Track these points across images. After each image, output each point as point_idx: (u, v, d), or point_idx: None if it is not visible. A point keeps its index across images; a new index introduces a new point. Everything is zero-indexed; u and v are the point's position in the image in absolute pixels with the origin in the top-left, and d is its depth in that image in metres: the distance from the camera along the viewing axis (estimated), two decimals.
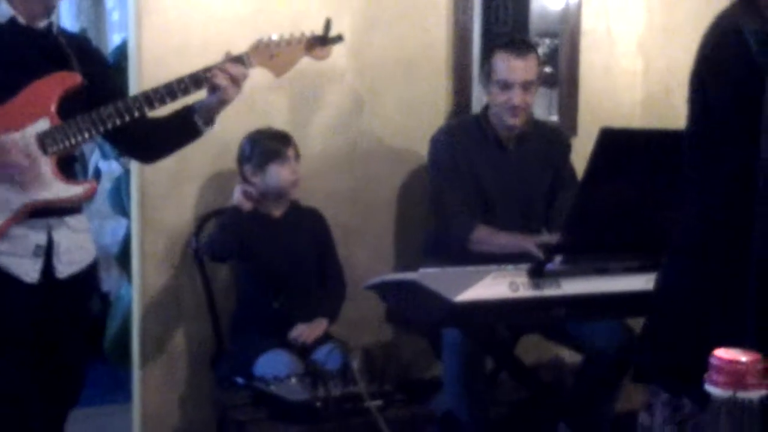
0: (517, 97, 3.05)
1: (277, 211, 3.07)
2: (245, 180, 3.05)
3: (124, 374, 3.63)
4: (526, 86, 3.06)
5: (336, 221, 3.25)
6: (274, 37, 2.52)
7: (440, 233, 3.19)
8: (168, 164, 3.12)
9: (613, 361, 2.88)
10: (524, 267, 2.48)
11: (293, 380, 2.63)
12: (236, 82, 2.44)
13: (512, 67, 3.05)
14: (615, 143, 2.31)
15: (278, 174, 2.99)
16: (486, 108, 3.22)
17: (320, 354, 2.80)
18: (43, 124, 2.32)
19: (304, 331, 2.92)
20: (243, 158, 3.05)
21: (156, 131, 2.52)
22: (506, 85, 3.05)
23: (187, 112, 2.49)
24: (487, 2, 3.55)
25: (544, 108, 3.78)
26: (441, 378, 3.09)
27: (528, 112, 3.14)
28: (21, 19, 2.36)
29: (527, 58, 3.07)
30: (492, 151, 3.17)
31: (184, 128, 2.51)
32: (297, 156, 3.05)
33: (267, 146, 3.01)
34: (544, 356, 3.55)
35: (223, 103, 2.47)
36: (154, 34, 3.12)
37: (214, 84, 2.43)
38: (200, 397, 3.16)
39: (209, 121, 2.51)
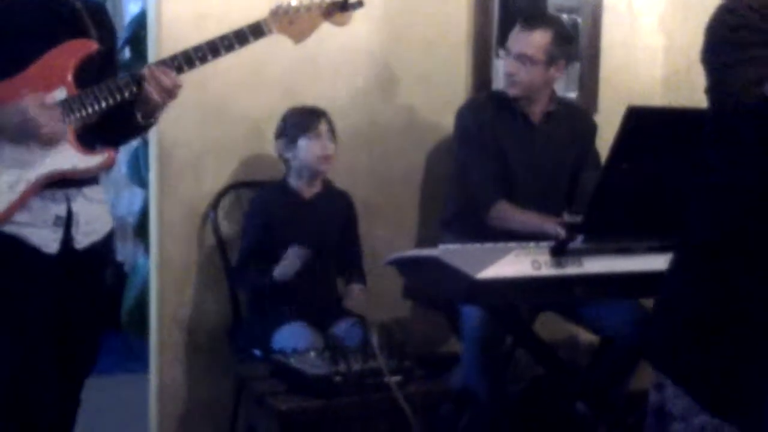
0: (508, 65, 3.09)
1: (309, 192, 3.04)
2: (281, 159, 3.02)
3: (140, 344, 3.65)
4: (520, 58, 3.05)
5: (354, 197, 3.23)
6: (293, 2, 2.48)
7: (460, 207, 3.18)
8: (187, 136, 3.13)
9: (629, 343, 2.87)
10: (546, 245, 2.47)
11: (312, 354, 2.63)
12: (168, 92, 2.35)
13: (515, 36, 3.10)
14: (641, 122, 2.29)
15: (308, 148, 2.96)
16: None
17: (340, 329, 2.79)
18: (60, 94, 2.30)
19: (359, 304, 2.94)
20: (277, 134, 3.03)
21: (106, 123, 2.42)
22: (507, 53, 3.11)
23: (131, 106, 2.39)
24: None
25: (562, 83, 3.74)
26: (458, 354, 3.09)
27: (525, 85, 3.09)
28: None
29: (531, 32, 3.06)
30: (519, 126, 3.15)
31: (127, 122, 2.42)
32: (331, 132, 3.02)
33: (298, 120, 2.99)
34: (559, 335, 3.54)
35: (155, 107, 2.37)
36: (172, 4, 3.09)
37: (144, 91, 2.33)
38: (217, 368, 3.17)
39: (148, 115, 2.41)
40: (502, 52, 3.16)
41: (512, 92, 3.11)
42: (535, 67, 3.06)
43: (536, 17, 3.21)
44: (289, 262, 2.83)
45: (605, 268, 2.45)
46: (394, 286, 3.11)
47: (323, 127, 2.99)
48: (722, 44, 1.72)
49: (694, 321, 1.74)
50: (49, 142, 2.28)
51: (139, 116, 2.39)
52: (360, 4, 2.55)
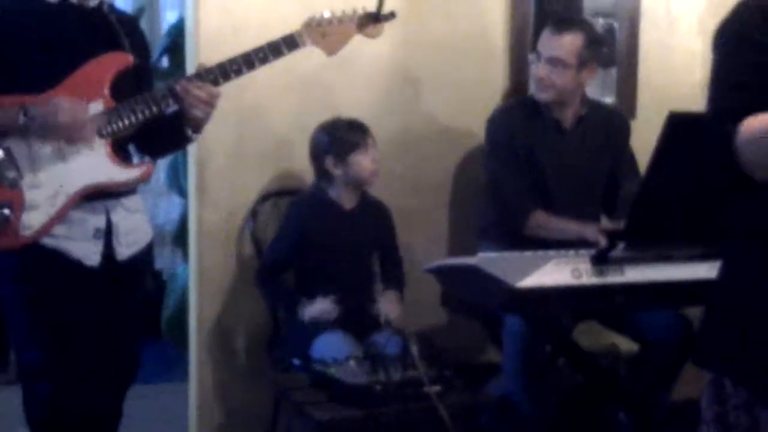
0: (540, 69, 3.05)
1: (349, 203, 3.04)
2: (323, 173, 3.00)
3: (178, 352, 3.67)
4: (552, 62, 3.02)
5: (390, 204, 3.22)
6: (326, 14, 2.49)
7: (496, 216, 3.16)
8: (226, 144, 3.14)
9: (671, 351, 2.84)
10: (586, 253, 2.45)
11: (352, 363, 2.63)
12: (206, 103, 2.37)
13: (546, 40, 3.06)
14: (683, 128, 2.25)
15: (360, 164, 2.96)
16: None
17: (379, 338, 2.78)
18: (97, 107, 2.31)
19: (391, 310, 2.91)
20: (321, 150, 2.99)
21: (149, 135, 2.45)
22: (538, 56, 3.07)
23: (179, 118, 2.43)
24: None
25: (598, 88, 3.72)
26: (496, 363, 3.07)
27: (557, 89, 3.06)
28: None
29: (563, 35, 3.03)
30: (550, 132, 3.12)
31: (174, 135, 2.47)
32: (375, 144, 3.02)
33: (347, 137, 2.97)
34: (599, 344, 3.50)
35: (199, 120, 2.41)
36: (211, 13, 3.10)
37: (183, 106, 2.36)
38: (256, 377, 3.17)
39: (197, 129, 2.46)
40: (532, 57, 3.14)
41: (543, 97, 3.08)
42: (566, 71, 3.03)
43: (566, 20, 3.19)
44: (322, 312, 2.85)
45: (647, 276, 2.42)
46: (431, 293, 3.10)
47: (370, 140, 3.00)
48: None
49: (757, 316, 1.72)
50: (72, 136, 2.27)
51: (188, 131, 2.43)
52: (392, 16, 2.56)
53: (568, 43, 3.02)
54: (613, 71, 3.69)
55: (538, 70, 3.07)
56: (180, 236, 3.89)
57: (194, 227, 3.20)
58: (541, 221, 3.01)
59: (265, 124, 3.19)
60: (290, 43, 2.45)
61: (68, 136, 2.28)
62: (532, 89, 3.15)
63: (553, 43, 3.03)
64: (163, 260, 4.47)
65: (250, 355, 3.22)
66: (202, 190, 3.16)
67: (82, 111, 2.28)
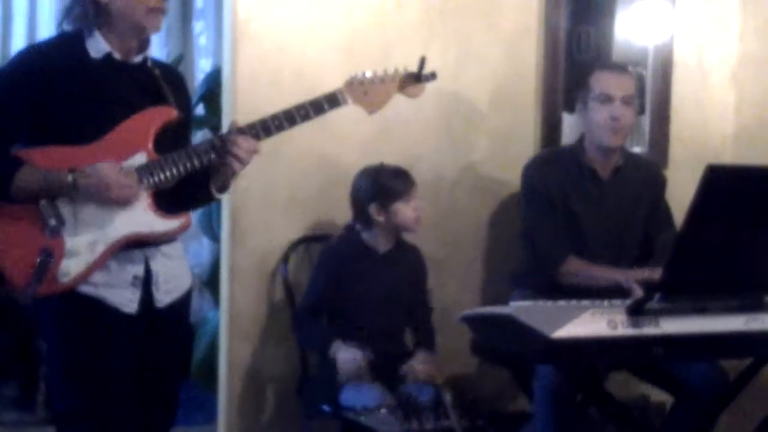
0: (618, 109, 3.03)
1: (384, 247, 3.04)
2: (363, 217, 3.00)
3: (205, 394, 3.66)
4: (626, 101, 3.05)
5: (422, 251, 3.23)
6: (368, 74, 2.50)
7: (529, 263, 3.15)
8: (259, 190, 3.17)
9: (708, 403, 2.81)
10: (621, 304, 2.43)
11: (383, 412, 2.62)
12: (245, 157, 2.38)
13: (612, 81, 3.07)
14: (720, 180, 2.25)
15: (404, 212, 2.97)
16: (581, 139, 3.18)
17: (412, 386, 2.77)
18: (140, 159, 2.33)
19: (423, 372, 2.86)
20: (364, 196, 2.99)
21: (180, 189, 2.44)
22: (607, 98, 3.04)
23: (205, 176, 2.44)
24: (570, 31, 3.54)
25: (629, 138, 3.71)
26: (526, 411, 3.04)
27: (627, 131, 3.11)
28: (117, 55, 2.37)
29: (626, 74, 3.13)
30: (587, 182, 3.12)
31: (200, 191, 2.48)
32: (417, 191, 3.02)
33: (392, 185, 2.97)
34: (629, 394, 3.48)
35: (231, 175, 2.42)
36: (249, 62, 3.15)
37: (227, 155, 2.37)
38: (285, 422, 3.17)
39: (222, 188, 2.47)
40: (595, 102, 3.05)
41: (615, 141, 3.07)
42: (633, 109, 3.11)
43: (614, 63, 3.32)
44: (352, 363, 2.81)
45: (683, 328, 2.39)
46: (462, 341, 3.09)
47: (413, 189, 3.00)
48: None
49: None
50: (119, 203, 2.30)
51: (213, 188, 2.44)
52: (433, 77, 2.57)
53: (632, 81, 3.11)
54: (643, 120, 3.70)
55: (613, 110, 3.02)
56: (210, 280, 3.91)
57: (226, 271, 3.21)
58: (575, 268, 3.01)
59: (298, 170, 3.22)
60: (332, 101, 2.46)
61: (115, 203, 2.32)
62: (599, 135, 3.07)
63: (624, 82, 3.08)
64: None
65: (279, 401, 3.21)
66: (235, 234, 3.18)
67: (129, 179, 2.29)
